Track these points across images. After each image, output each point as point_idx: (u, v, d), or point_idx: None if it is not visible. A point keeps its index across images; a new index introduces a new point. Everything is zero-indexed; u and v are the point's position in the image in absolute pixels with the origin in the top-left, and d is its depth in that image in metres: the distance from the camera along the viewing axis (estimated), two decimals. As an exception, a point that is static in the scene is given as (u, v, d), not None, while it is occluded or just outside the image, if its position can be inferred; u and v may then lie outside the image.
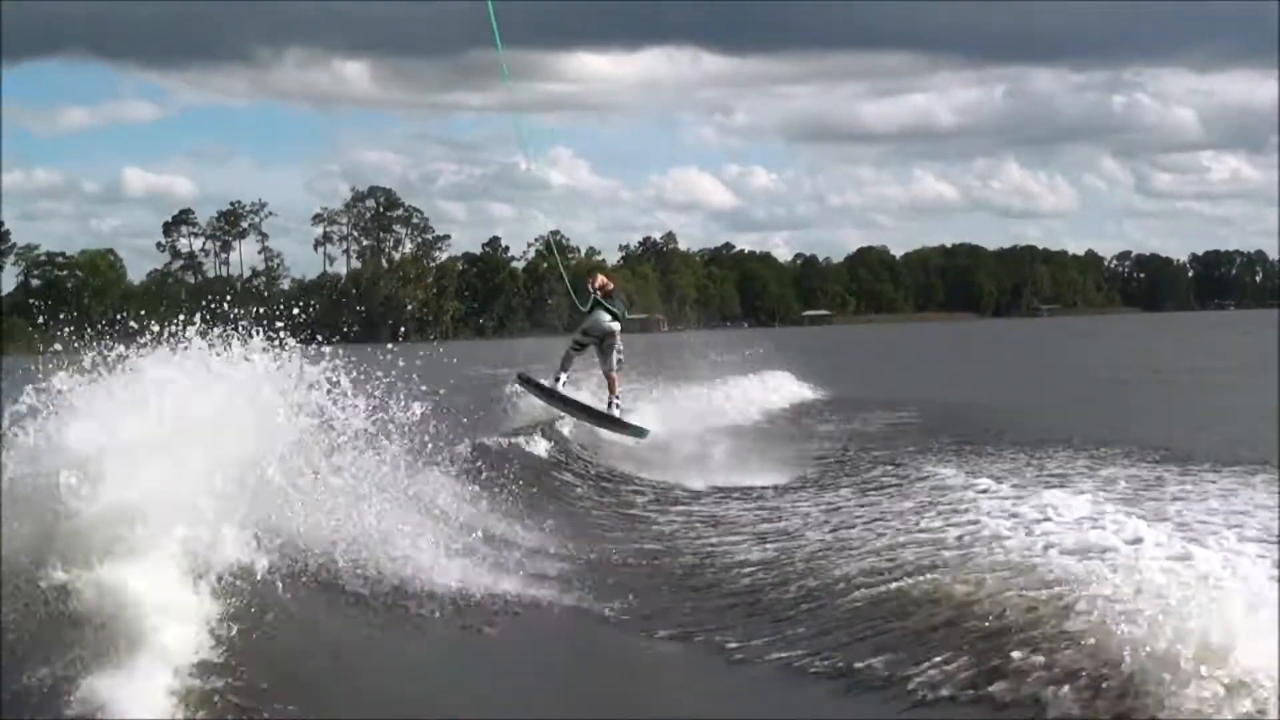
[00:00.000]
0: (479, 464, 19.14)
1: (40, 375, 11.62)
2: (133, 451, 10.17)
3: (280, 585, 11.14)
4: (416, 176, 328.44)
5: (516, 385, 27.25)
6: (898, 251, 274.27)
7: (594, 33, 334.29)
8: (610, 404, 26.08)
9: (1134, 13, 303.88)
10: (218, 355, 12.51)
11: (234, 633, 9.72)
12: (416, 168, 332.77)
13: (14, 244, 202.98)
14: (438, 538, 14.40)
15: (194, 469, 10.60)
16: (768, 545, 16.29)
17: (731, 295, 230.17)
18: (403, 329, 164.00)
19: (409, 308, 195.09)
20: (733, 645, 11.69)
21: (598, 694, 10.90)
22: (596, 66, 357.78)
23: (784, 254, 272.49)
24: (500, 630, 12.25)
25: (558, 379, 26.07)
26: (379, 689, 10.39)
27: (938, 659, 10.25)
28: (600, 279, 26.73)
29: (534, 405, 27.12)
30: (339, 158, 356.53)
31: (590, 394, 27.35)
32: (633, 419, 26.62)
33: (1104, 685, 9.02)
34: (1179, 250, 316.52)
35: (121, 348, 12.07)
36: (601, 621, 12.88)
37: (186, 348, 12.36)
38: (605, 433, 26.28)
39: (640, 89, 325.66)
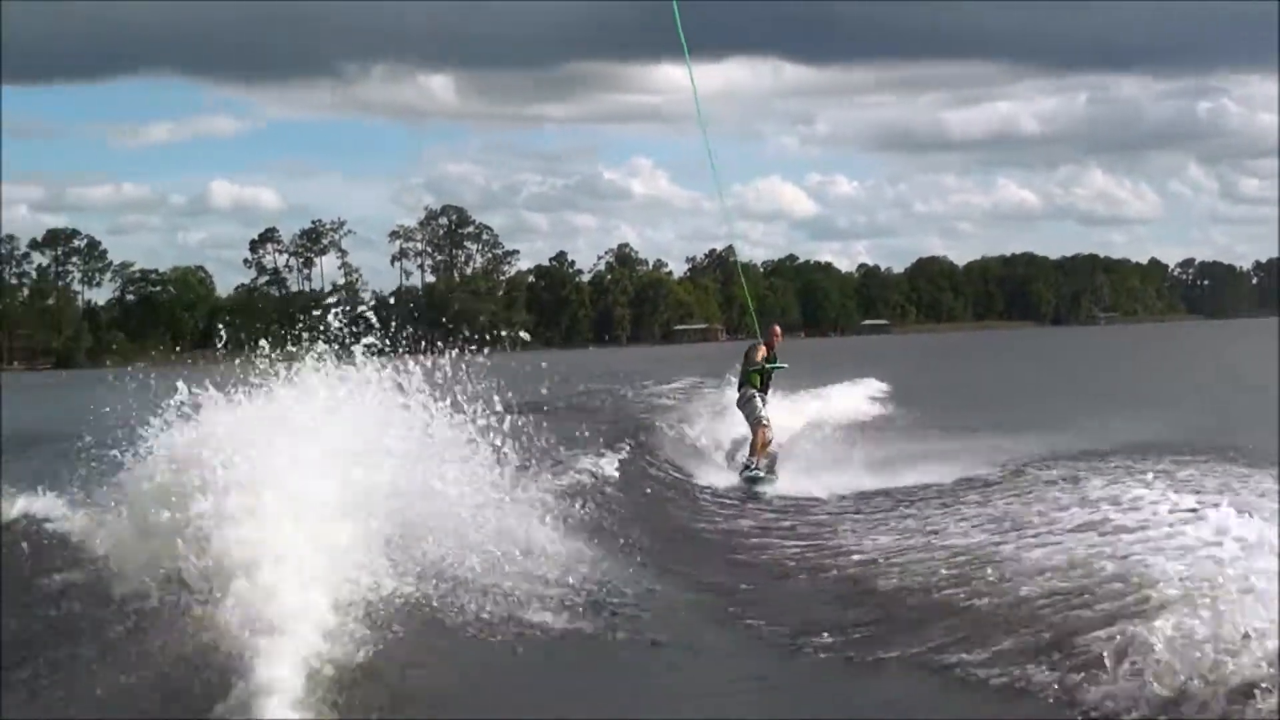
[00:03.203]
0: (587, 476, 19.98)
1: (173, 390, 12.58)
2: (262, 479, 10.86)
3: (395, 607, 11.23)
4: (500, 187, 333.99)
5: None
6: (975, 258, 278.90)
7: (677, 44, 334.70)
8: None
9: (1219, 19, 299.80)
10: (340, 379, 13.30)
11: (353, 651, 9.88)
12: (499, 179, 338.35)
13: (110, 261, 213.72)
14: (552, 556, 14.13)
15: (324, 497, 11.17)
16: (876, 547, 16.41)
17: (791, 305, 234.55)
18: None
19: (480, 320, 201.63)
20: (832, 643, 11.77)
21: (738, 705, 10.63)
22: (678, 78, 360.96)
23: (869, 262, 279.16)
24: (624, 644, 11.94)
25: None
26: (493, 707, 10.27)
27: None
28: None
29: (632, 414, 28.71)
30: (423, 170, 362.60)
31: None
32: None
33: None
34: (1267, 255, 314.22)
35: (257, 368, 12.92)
36: (731, 631, 12.74)
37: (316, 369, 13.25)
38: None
39: (722, 100, 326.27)
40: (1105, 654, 9.77)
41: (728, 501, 22.78)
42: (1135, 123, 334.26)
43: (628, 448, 25.22)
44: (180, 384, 12.68)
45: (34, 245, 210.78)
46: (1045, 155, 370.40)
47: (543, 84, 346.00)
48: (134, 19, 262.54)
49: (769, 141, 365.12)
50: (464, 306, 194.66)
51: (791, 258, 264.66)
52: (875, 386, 48.23)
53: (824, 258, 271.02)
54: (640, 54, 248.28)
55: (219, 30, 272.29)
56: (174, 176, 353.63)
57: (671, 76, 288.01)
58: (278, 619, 9.49)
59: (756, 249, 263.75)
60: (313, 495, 11.07)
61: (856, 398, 44.16)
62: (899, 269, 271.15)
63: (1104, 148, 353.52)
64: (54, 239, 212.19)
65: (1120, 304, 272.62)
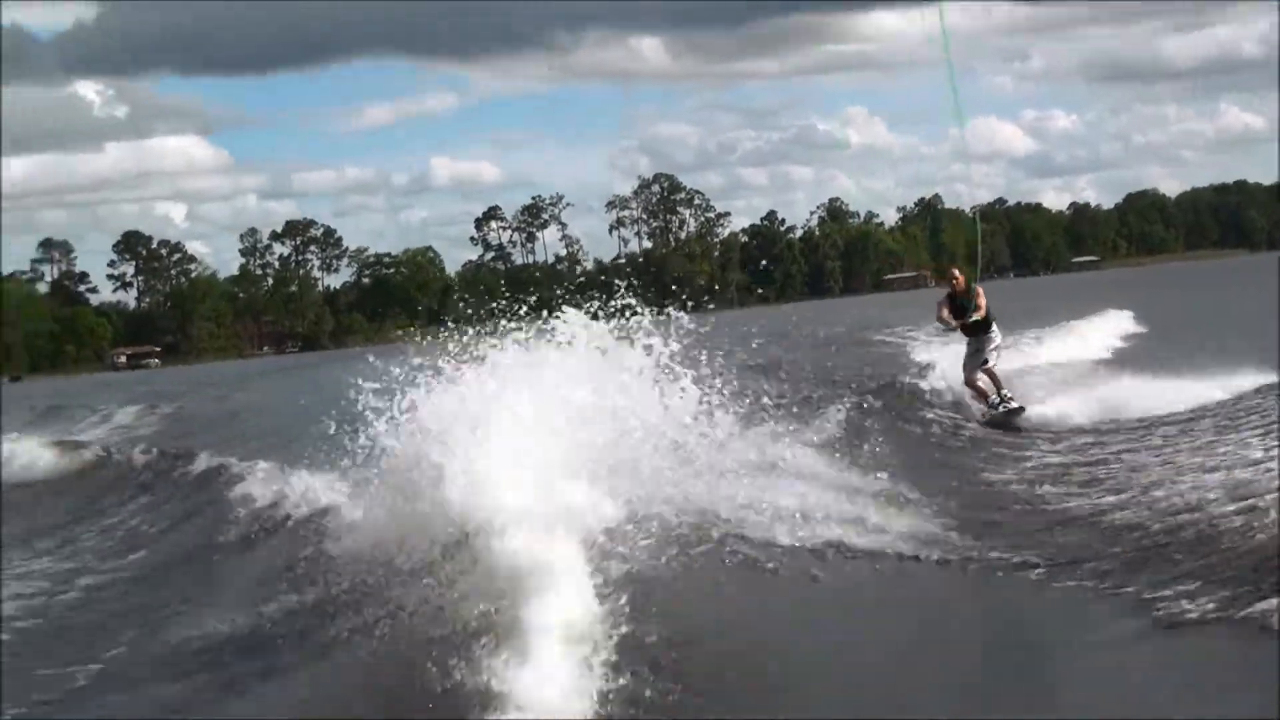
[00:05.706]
0: (840, 422, 19.86)
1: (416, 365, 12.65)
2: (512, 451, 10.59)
3: (662, 556, 11.00)
4: (714, 146, 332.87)
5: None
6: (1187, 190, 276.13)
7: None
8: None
9: None
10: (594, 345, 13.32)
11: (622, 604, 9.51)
12: (714, 137, 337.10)
13: (345, 247, 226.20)
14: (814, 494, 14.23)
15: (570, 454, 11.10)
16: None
17: (1001, 248, 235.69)
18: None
19: (699, 282, 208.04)
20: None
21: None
22: (888, 24, 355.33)
23: (1091, 197, 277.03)
24: (883, 584, 11.71)
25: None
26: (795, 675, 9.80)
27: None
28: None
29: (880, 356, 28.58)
30: (637, 133, 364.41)
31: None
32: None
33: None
34: None
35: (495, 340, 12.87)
36: (989, 570, 12.02)
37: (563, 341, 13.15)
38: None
39: (931, 43, 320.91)
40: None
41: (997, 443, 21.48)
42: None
43: (871, 394, 24.72)
44: (420, 358, 12.99)
45: (274, 236, 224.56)
46: (1268, 77, 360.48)
47: (752, 40, 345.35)
48: (351, 3, 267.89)
49: (982, 81, 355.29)
50: (680, 270, 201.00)
51: (1001, 201, 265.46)
52: (1126, 318, 46.70)
53: (1044, 195, 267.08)
54: (850, 3, 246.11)
55: (433, 9, 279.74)
56: (394, 157, 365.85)
57: (881, 23, 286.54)
58: (531, 594, 9.08)
59: (979, 190, 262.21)
60: (561, 464, 10.96)
61: (1113, 330, 43.05)
62: (1109, 205, 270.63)
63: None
64: (292, 229, 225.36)
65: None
